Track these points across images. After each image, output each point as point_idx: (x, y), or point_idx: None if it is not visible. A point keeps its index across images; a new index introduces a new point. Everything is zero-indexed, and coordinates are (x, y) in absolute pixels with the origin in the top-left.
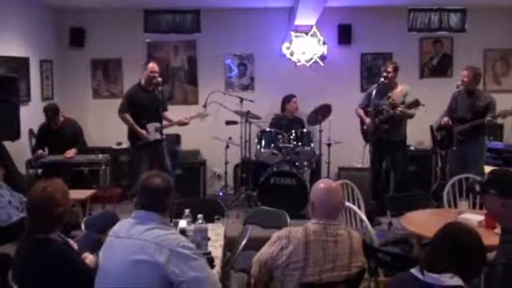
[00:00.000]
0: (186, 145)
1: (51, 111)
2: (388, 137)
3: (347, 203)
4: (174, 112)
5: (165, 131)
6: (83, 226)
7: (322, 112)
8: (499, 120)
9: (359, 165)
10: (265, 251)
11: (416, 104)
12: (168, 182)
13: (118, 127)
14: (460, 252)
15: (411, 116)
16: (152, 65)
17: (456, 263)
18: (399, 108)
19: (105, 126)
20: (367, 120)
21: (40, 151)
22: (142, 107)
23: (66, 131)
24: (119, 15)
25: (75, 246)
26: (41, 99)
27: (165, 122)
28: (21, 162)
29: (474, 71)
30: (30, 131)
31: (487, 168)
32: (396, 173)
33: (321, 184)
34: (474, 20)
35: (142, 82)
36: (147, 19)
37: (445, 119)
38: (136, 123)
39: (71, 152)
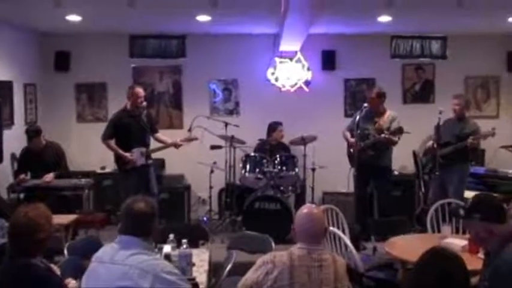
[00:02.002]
0: (170, 169)
1: (33, 132)
2: (372, 162)
3: (331, 228)
4: None
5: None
6: (65, 251)
7: (308, 139)
8: (481, 145)
9: (343, 190)
10: (250, 276)
11: (400, 131)
12: (152, 206)
13: (102, 151)
14: (444, 279)
15: (394, 143)
16: (138, 90)
17: None
18: (383, 135)
19: (89, 151)
20: (352, 140)
21: (22, 175)
22: (127, 132)
23: (48, 155)
24: (105, 39)
25: (58, 271)
26: (24, 123)
27: (158, 144)
28: (3, 186)
29: (464, 98)
30: (12, 155)
31: (468, 193)
32: (380, 198)
33: (304, 210)
34: (455, 48)
35: (128, 107)
36: (133, 44)
37: (430, 143)
38: (122, 149)
39: (49, 177)
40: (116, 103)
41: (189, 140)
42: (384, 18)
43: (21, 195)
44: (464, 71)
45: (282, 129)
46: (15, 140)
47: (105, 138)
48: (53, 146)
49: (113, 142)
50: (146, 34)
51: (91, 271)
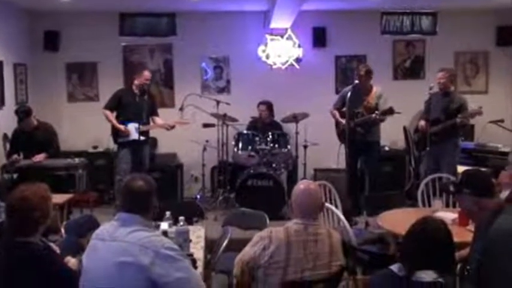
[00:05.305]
0: (162, 148)
1: (23, 113)
2: (362, 138)
3: (326, 204)
4: None
5: None
6: (62, 230)
7: (300, 116)
8: (470, 120)
9: (334, 167)
10: (247, 251)
11: (390, 111)
12: (150, 184)
13: (94, 131)
14: (432, 245)
15: (383, 120)
16: (147, 73)
17: (427, 255)
18: (374, 115)
19: (81, 130)
20: (343, 121)
21: (15, 156)
22: (126, 107)
23: (40, 135)
24: (94, 18)
25: (58, 250)
26: (15, 103)
27: (149, 125)
28: None
29: (450, 71)
30: (5, 136)
31: (460, 168)
32: (370, 173)
33: (301, 185)
34: (445, 24)
35: (134, 87)
36: (123, 22)
37: (422, 122)
38: (119, 122)
39: (39, 157)
40: (106, 82)
41: (182, 123)
42: None
43: (15, 176)
44: (454, 46)
45: (261, 108)
46: (6, 120)
47: (105, 107)
48: (44, 126)
49: (112, 114)
50: (136, 12)
51: (92, 248)
